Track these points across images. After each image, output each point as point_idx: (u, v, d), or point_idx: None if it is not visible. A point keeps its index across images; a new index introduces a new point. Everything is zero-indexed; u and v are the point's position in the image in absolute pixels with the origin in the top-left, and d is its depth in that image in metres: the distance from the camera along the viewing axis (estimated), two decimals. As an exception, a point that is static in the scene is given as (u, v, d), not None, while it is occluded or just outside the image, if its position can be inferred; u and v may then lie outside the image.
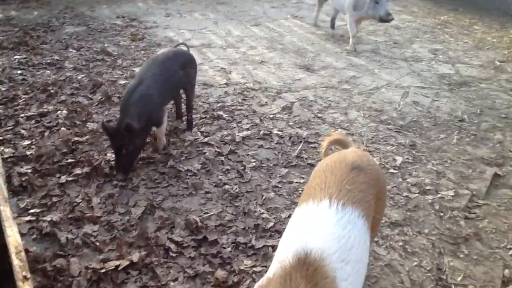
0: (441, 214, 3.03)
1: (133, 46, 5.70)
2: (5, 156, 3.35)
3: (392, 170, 3.46)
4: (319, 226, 1.53)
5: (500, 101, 4.74)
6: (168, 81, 3.44)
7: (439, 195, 3.21)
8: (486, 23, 7.68)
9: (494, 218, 3.02)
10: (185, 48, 3.97)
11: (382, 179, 1.97)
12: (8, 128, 3.74)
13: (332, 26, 6.63)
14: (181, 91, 3.87)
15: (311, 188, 1.76)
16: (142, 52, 5.53)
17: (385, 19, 5.45)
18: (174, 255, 2.59)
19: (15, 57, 5.12)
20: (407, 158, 3.62)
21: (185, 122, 3.91)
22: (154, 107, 3.30)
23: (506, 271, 2.58)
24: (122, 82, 4.66)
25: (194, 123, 3.91)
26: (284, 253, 1.49)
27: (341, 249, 1.46)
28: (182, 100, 3.96)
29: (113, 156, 3.23)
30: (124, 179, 3.15)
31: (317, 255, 1.41)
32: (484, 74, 5.48)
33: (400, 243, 2.75)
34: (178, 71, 3.56)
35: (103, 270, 2.44)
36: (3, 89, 4.36)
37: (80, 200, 2.99)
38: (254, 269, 2.50)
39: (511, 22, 7.76)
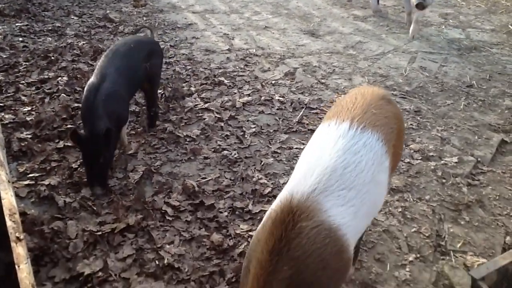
0: (444, 180, 2.97)
1: (135, 13, 5.61)
2: (5, 122, 3.34)
3: (395, 136, 3.39)
4: (328, 154, 1.59)
5: (511, 67, 4.60)
6: (133, 75, 3.03)
7: (442, 162, 3.14)
8: (501, -14, 7.41)
9: (498, 185, 2.96)
10: (149, 34, 3.69)
11: (403, 123, 2.05)
12: (9, 94, 3.72)
13: None
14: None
15: (339, 105, 1.83)
16: (144, 18, 5.44)
17: (414, 2, 4.68)
18: (170, 219, 2.59)
19: (17, 24, 5.06)
20: (411, 124, 3.54)
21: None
22: (122, 106, 2.91)
23: (508, 238, 2.54)
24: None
25: (194, 89, 3.85)
26: (288, 187, 1.59)
27: (345, 177, 1.54)
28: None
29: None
30: (104, 193, 2.70)
31: (301, 196, 1.48)
32: (495, 38, 5.31)
33: (400, 209, 2.70)
34: (142, 63, 3.12)
35: (99, 233, 2.45)
36: (4, 56, 4.32)
37: (78, 165, 2.98)
38: (250, 233, 2.48)
39: (527, -15, 7.49)
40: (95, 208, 2.64)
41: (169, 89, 3.80)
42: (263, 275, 1.37)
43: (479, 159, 3.19)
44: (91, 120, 2.64)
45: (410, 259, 2.38)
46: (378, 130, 1.68)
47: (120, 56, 2.98)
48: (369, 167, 1.60)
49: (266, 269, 1.37)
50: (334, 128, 1.68)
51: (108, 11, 5.56)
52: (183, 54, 4.55)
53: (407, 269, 2.32)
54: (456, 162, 3.14)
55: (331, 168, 1.55)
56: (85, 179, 2.83)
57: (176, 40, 4.88)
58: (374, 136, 1.65)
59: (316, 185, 1.52)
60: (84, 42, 4.67)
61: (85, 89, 2.80)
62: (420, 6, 4.56)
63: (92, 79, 2.84)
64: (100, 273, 2.22)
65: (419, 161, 3.14)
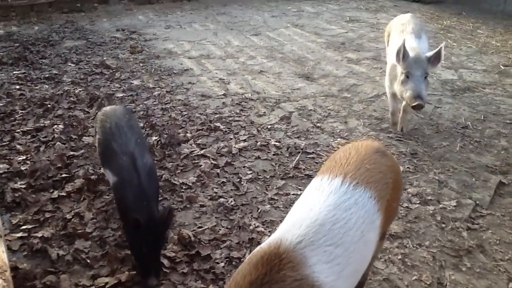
0: (443, 225, 2.93)
1: (132, 59, 5.68)
2: (0, 172, 3.32)
3: (392, 180, 3.37)
4: (318, 208, 1.57)
5: (505, 107, 4.65)
6: (144, 141, 2.93)
7: (441, 206, 3.11)
8: (490, 26, 7.61)
9: (498, 228, 2.92)
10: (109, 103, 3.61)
11: (401, 174, 1.99)
12: (4, 143, 3.71)
13: None
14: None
15: (333, 160, 1.80)
16: (141, 64, 5.51)
17: (409, 102, 3.54)
18: (166, 271, 2.52)
19: (14, 72, 5.11)
20: (408, 167, 3.53)
21: None
22: (157, 175, 2.80)
23: (511, 284, 2.48)
24: (120, 95, 4.63)
25: (190, 135, 3.87)
26: (278, 233, 1.57)
27: (333, 233, 1.51)
28: None
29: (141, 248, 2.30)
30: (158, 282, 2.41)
31: (289, 244, 1.46)
32: (488, 79, 5.39)
33: (400, 256, 2.65)
34: (140, 128, 3.07)
35: (93, 287, 2.38)
36: (1, 104, 4.34)
37: (72, 216, 2.93)
38: (247, 285, 2.41)
39: (516, 25, 7.68)
40: (88, 261, 2.58)
41: (165, 135, 3.80)
42: None
43: (477, 202, 3.16)
44: (144, 204, 2.36)
45: (413, 309, 2.32)
46: (371, 187, 1.66)
47: (127, 129, 2.77)
48: (359, 226, 1.57)
49: None
50: (327, 183, 1.66)
51: (105, 58, 5.63)
52: (179, 99, 4.59)
53: (410, 321, 2.25)
54: (455, 206, 3.11)
55: (320, 221, 1.53)
56: (79, 230, 2.79)
57: (172, 86, 4.92)
58: (366, 194, 1.63)
59: (303, 237, 1.49)
60: (81, 89, 4.70)
61: (119, 170, 2.52)
62: (419, 107, 3.52)
63: (119, 161, 2.55)
64: (92, 332, 2.15)
65: (417, 205, 3.11)
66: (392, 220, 2.05)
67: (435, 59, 3.56)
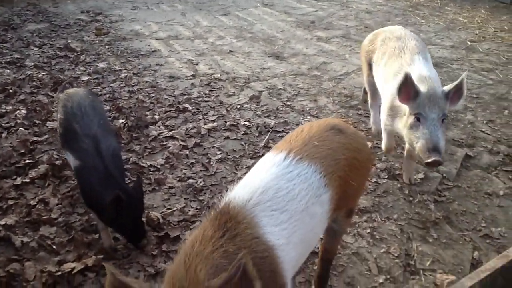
0: (411, 198, 2.97)
1: (97, 41, 5.54)
2: (-40, 160, 3.20)
3: (361, 156, 3.38)
4: (262, 177, 1.60)
5: (472, 82, 4.71)
6: (108, 123, 2.87)
7: (409, 179, 3.15)
8: (458, 3, 7.69)
9: (464, 200, 2.98)
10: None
11: (365, 152, 1.94)
12: (-36, 130, 3.58)
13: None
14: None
15: (285, 139, 1.83)
16: (107, 47, 5.37)
17: (422, 157, 2.57)
18: (134, 253, 2.49)
19: (-27, 57, 4.93)
20: (377, 143, 3.55)
21: None
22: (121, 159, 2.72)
23: (476, 253, 2.54)
24: (85, 78, 4.51)
25: (158, 117, 3.80)
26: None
27: (277, 199, 1.54)
28: None
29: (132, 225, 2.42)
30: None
31: (237, 204, 1.48)
32: (455, 54, 5.45)
33: (368, 230, 2.68)
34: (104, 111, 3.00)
35: (59, 273, 2.33)
36: (-40, 90, 4.18)
37: (37, 202, 2.86)
38: (216, 264, 2.40)
39: (482, 1, 7.78)
40: (54, 247, 2.52)
41: (132, 118, 3.73)
42: (206, 238, 1.36)
43: (444, 175, 3.21)
44: (115, 182, 2.36)
45: (380, 280, 2.35)
46: (317, 162, 1.66)
47: (91, 111, 2.65)
48: (302, 197, 1.58)
49: (209, 236, 1.36)
50: (272, 157, 1.69)
51: (69, 41, 5.47)
52: (147, 81, 4.50)
53: (378, 293, 2.28)
54: (422, 179, 3.15)
55: (264, 187, 1.55)
56: (44, 216, 2.73)
57: (139, 68, 4.82)
58: (310, 168, 1.64)
59: (250, 196, 1.51)
60: (44, 73, 4.56)
61: (81, 154, 2.45)
62: (435, 164, 2.55)
63: (81, 144, 2.47)
64: (58, 317, 2.11)
65: (385, 180, 3.14)
66: (354, 197, 2.03)
67: (455, 94, 2.64)
